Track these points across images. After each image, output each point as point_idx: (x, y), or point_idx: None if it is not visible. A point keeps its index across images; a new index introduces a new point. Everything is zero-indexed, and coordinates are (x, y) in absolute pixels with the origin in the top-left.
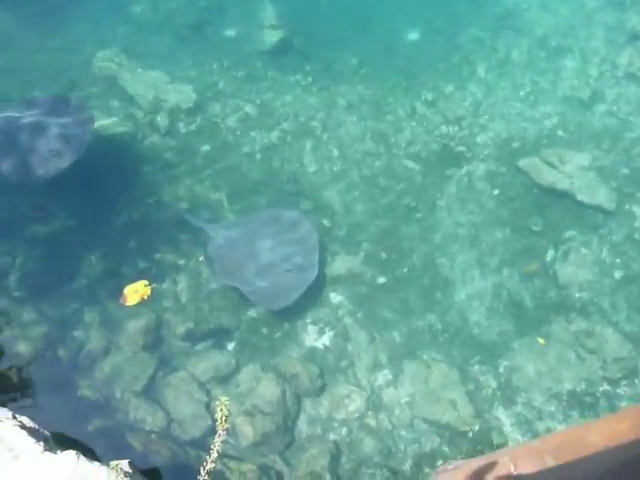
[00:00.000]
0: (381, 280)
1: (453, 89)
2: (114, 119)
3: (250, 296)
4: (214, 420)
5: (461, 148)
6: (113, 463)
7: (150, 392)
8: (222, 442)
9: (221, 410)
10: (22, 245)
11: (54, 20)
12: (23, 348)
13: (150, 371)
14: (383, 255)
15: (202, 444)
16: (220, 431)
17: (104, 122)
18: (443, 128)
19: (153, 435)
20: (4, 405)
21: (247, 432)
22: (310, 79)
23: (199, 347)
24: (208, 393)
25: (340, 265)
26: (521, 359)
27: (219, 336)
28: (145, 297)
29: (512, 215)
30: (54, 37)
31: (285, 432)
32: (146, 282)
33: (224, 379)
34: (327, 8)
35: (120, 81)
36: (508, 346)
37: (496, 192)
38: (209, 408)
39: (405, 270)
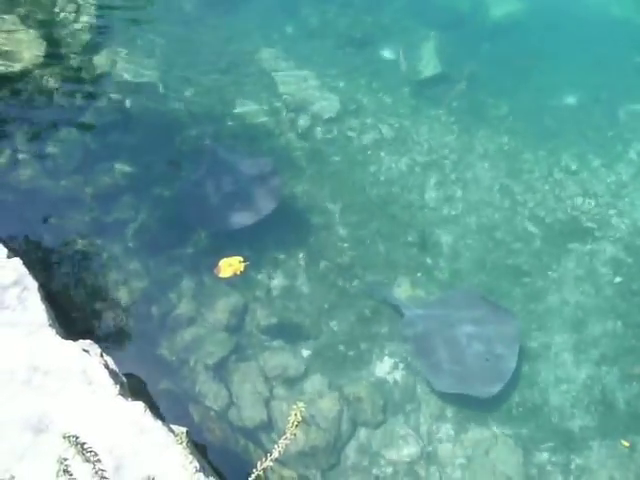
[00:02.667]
0: None
1: (599, 163)
2: (259, 108)
3: (438, 381)
4: (269, 416)
5: (591, 225)
6: (178, 430)
7: (219, 371)
8: (285, 445)
9: (295, 415)
10: (148, 203)
11: (227, 10)
12: (122, 295)
13: (225, 351)
14: None
15: (252, 435)
16: (288, 434)
17: (249, 108)
18: (577, 200)
19: (212, 412)
20: (98, 342)
21: (299, 439)
22: (454, 117)
23: (275, 344)
24: (271, 390)
25: None
26: (598, 462)
27: (297, 339)
28: (238, 272)
29: (629, 309)
30: (223, 25)
31: (332, 452)
32: (242, 259)
33: (290, 382)
34: (489, 52)
35: (274, 76)
36: (586, 444)
37: (618, 280)
38: (268, 404)
39: None
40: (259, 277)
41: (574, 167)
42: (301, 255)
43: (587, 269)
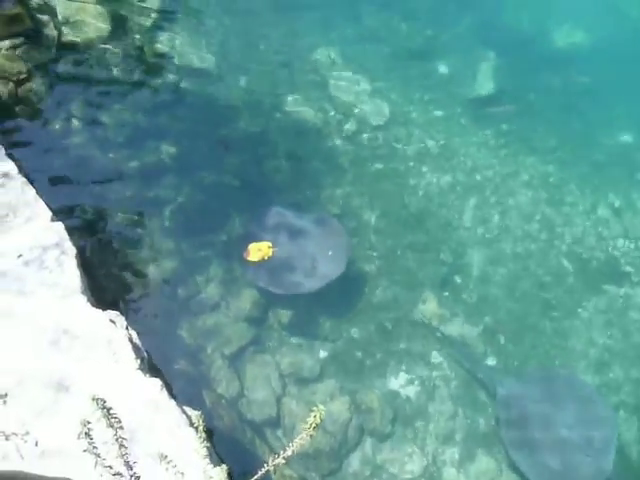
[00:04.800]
0: (491, 362)
1: None
2: (309, 106)
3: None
4: (278, 413)
5: (629, 268)
6: (192, 412)
7: (235, 360)
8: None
9: (314, 417)
10: (188, 186)
11: (289, 7)
12: (152, 271)
13: (243, 341)
14: (502, 339)
15: (260, 429)
16: (305, 435)
17: (299, 105)
18: (619, 241)
19: (224, 400)
20: (124, 314)
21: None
22: (502, 141)
23: (293, 341)
24: (284, 387)
25: (454, 328)
26: None
27: (316, 340)
28: (266, 257)
29: None
30: (284, 21)
31: (336, 458)
32: (270, 244)
33: (303, 381)
34: (546, 79)
35: (327, 76)
36: None
37: None
38: (279, 401)
39: (516, 363)
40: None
41: (618, 206)
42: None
43: (618, 313)
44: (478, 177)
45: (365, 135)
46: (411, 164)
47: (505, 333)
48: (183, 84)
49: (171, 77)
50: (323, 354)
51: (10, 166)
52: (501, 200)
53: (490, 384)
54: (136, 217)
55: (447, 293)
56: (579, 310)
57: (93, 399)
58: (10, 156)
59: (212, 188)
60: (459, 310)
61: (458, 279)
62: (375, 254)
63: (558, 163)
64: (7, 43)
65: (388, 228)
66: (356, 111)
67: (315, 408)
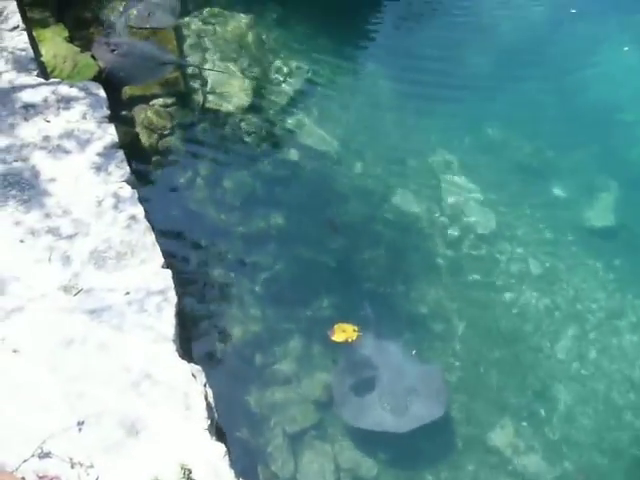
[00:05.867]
0: None
1: None
2: (416, 204)
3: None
4: None
5: None
6: None
7: (295, 441)
8: None
9: None
10: (287, 258)
11: (414, 111)
12: (235, 332)
13: (307, 423)
14: None
15: None
16: None
17: (408, 204)
18: None
19: None
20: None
21: None
22: (611, 276)
23: (356, 435)
24: None
25: (529, 463)
26: None
27: (379, 441)
28: (350, 340)
29: None
30: (408, 119)
31: None
32: (356, 328)
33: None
34: None
35: (440, 179)
36: None
37: None
38: None
39: None
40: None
41: None
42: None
43: None
44: (580, 307)
45: (467, 242)
46: (510, 280)
47: None
48: (303, 162)
49: (293, 154)
50: (384, 457)
51: (139, 210)
52: (602, 337)
53: None
54: (232, 277)
55: (526, 423)
56: None
57: (182, 468)
58: (139, 200)
59: (308, 264)
60: (537, 445)
61: (542, 411)
62: (457, 364)
63: None
64: (160, 101)
65: (475, 340)
66: (463, 217)
67: None
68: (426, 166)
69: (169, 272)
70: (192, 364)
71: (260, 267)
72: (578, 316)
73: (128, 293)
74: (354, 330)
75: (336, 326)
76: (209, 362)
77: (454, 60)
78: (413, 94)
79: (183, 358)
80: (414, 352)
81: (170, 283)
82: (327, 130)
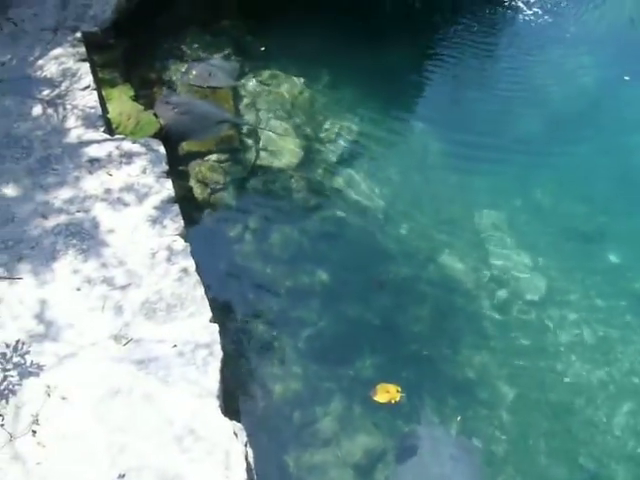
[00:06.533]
0: None
1: None
2: (463, 265)
3: None
4: None
5: None
6: None
7: None
8: None
9: None
10: (331, 315)
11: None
12: (277, 389)
13: None
14: None
15: None
16: None
17: (454, 264)
18: None
19: None
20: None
21: None
22: None
23: None
24: None
25: None
26: None
27: None
28: (393, 401)
29: None
30: (452, 184)
31: None
32: (399, 389)
33: None
34: None
35: (488, 240)
36: None
37: None
38: None
39: None
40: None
41: None
42: (453, 428)
43: None
44: (636, 381)
45: (516, 306)
46: (561, 348)
47: None
48: (350, 219)
49: (341, 211)
50: None
51: (190, 263)
52: None
53: None
54: (276, 332)
55: None
56: None
57: None
58: (191, 253)
59: (352, 322)
60: None
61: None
62: (504, 436)
63: None
64: (215, 156)
65: (523, 410)
66: (511, 280)
67: None
68: (474, 227)
69: (216, 326)
70: (234, 422)
71: (304, 323)
72: (635, 390)
73: (175, 346)
74: (397, 391)
75: (379, 386)
76: (249, 419)
77: (503, 123)
78: (461, 155)
79: (225, 415)
80: (459, 418)
81: (217, 337)
82: (374, 189)
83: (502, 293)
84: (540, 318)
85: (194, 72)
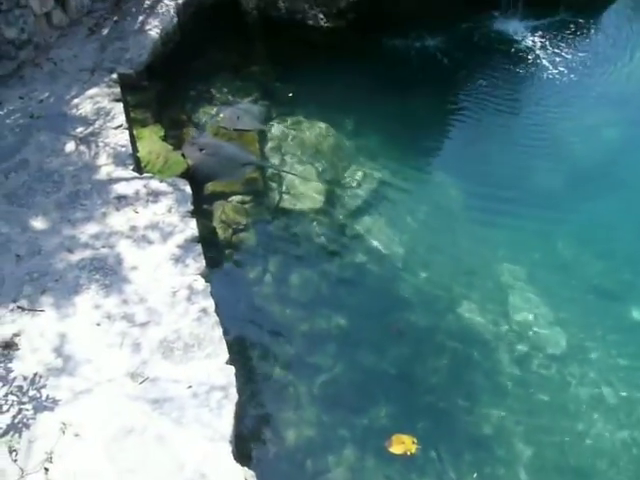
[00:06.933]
0: None
1: None
2: (482, 317)
3: None
4: None
5: None
6: None
7: None
8: None
9: None
10: (347, 361)
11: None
12: (290, 435)
13: None
14: None
15: None
16: None
17: (473, 315)
18: None
19: None
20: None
21: None
22: None
23: None
24: None
25: None
26: None
27: None
28: (408, 453)
29: None
30: (472, 233)
31: None
32: (415, 440)
33: None
34: None
35: (508, 292)
36: None
37: None
38: None
39: None
40: None
41: None
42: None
43: None
44: None
45: (536, 361)
46: (582, 407)
47: None
48: (369, 265)
49: (360, 256)
50: None
51: (210, 303)
52: None
53: None
54: (291, 376)
55: None
56: None
57: None
58: (211, 293)
59: (368, 369)
60: None
61: None
62: None
63: None
64: (238, 198)
65: (542, 471)
66: (531, 334)
67: None
68: (493, 278)
69: (232, 369)
70: (246, 468)
71: (319, 368)
72: None
73: (191, 386)
74: (413, 442)
75: (394, 437)
76: (261, 465)
77: (525, 177)
78: (482, 206)
79: (237, 460)
80: (475, 475)
81: (232, 380)
82: (394, 235)
83: (521, 347)
84: (561, 374)
85: (223, 115)
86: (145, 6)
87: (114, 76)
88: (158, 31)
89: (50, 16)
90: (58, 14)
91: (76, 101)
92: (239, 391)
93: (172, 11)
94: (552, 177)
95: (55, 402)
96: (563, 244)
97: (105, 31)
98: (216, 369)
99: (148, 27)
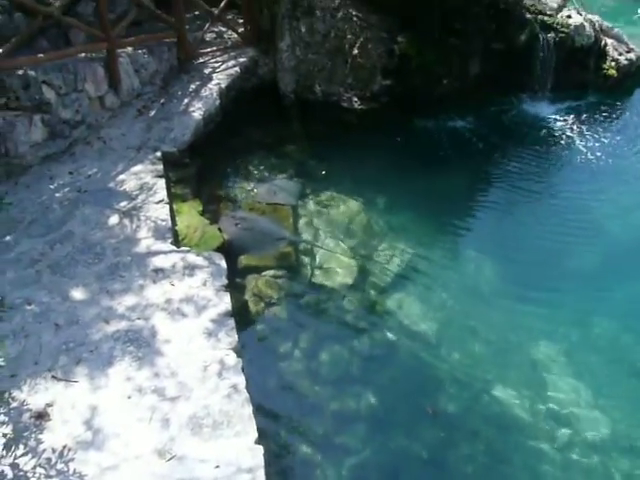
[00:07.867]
0: None
1: None
2: (519, 402)
3: None
4: None
5: None
6: None
7: None
8: None
9: None
10: (375, 443)
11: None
12: None
13: None
14: None
15: None
16: None
17: (510, 399)
18: None
19: None
20: None
21: None
22: None
23: None
24: None
25: None
26: None
27: None
28: None
29: None
30: (509, 310)
31: None
32: None
33: None
34: None
35: (545, 375)
36: None
37: None
38: None
39: None
40: None
41: None
42: None
43: None
44: None
45: (577, 449)
46: None
47: None
48: (400, 343)
49: (391, 334)
50: None
51: (240, 379)
52: None
53: None
54: (319, 457)
55: None
56: None
57: None
58: (242, 369)
59: (398, 453)
60: None
61: None
62: None
63: None
64: (271, 272)
65: None
66: (571, 420)
67: None
68: (529, 359)
69: (261, 449)
70: None
71: (348, 450)
72: None
73: (218, 467)
74: None
75: None
76: None
77: (558, 256)
78: (516, 282)
79: None
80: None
81: (261, 462)
82: (426, 313)
83: (561, 433)
84: (604, 464)
85: (258, 190)
86: (190, 90)
87: (158, 154)
88: (201, 112)
89: (103, 99)
90: (110, 97)
91: (121, 177)
92: (267, 474)
93: (215, 94)
94: (588, 257)
95: (81, 477)
96: (600, 323)
97: (152, 112)
98: (245, 448)
99: (192, 109)
